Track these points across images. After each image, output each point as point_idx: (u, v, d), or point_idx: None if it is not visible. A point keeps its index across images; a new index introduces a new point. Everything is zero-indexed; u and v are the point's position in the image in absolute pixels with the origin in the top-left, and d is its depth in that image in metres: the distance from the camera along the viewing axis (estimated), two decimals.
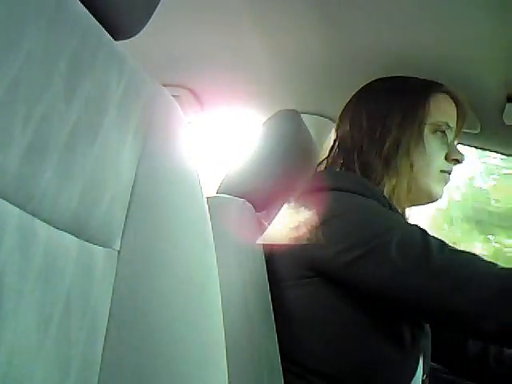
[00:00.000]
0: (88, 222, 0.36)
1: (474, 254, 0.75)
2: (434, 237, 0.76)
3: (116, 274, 0.37)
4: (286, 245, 0.84)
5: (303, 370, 0.80)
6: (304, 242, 0.80)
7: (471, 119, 1.08)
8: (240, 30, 0.97)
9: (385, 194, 0.86)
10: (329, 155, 0.97)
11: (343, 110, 0.97)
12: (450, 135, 0.93)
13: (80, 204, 0.35)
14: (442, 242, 0.75)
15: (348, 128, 0.94)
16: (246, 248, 0.84)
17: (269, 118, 1.04)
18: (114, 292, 0.37)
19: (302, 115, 1.04)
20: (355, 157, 0.90)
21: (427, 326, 0.88)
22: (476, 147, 1.18)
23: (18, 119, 0.30)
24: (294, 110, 1.03)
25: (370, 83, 0.96)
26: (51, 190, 0.32)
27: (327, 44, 0.98)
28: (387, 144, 0.89)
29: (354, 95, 0.97)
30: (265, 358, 0.77)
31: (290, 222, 0.86)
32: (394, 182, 0.88)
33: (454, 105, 0.95)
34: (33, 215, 0.31)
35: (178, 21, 0.95)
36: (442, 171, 0.91)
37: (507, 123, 1.03)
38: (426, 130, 0.90)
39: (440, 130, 0.91)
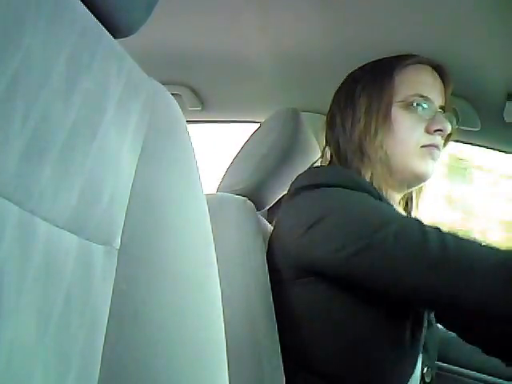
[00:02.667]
0: (87, 220, 0.35)
1: (474, 242, 0.72)
2: (431, 226, 0.73)
3: (116, 273, 0.37)
4: (282, 244, 0.84)
5: (304, 369, 0.80)
6: (298, 243, 0.79)
7: (471, 117, 1.07)
8: (240, 28, 0.97)
9: (375, 184, 0.85)
10: (321, 156, 0.99)
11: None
12: (429, 105, 0.88)
13: (79, 202, 0.34)
14: (440, 231, 0.72)
15: (328, 126, 0.94)
16: (246, 246, 0.84)
17: (269, 117, 1.05)
18: (113, 290, 0.37)
19: (302, 113, 1.04)
20: (335, 153, 0.90)
21: (431, 317, 0.87)
22: (476, 145, 1.18)
23: (16, 117, 0.30)
24: (293, 108, 1.04)
25: (346, 78, 0.95)
26: (50, 188, 0.32)
27: (328, 42, 0.98)
28: (357, 133, 0.87)
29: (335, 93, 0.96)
30: (266, 356, 0.77)
31: (283, 222, 0.86)
32: (369, 170, 0.86)
33: (429, 72, 0.90)
34: (32, 213, 0.31)
35: (177, 18, 0.95)
36: (423, 146, 0.87)
37: (507, 121, 1.03)
38: (397, 108, 0.87)
39: (414, 104, 0.87)
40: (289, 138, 0.98)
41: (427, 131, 0.87)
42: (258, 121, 1.13)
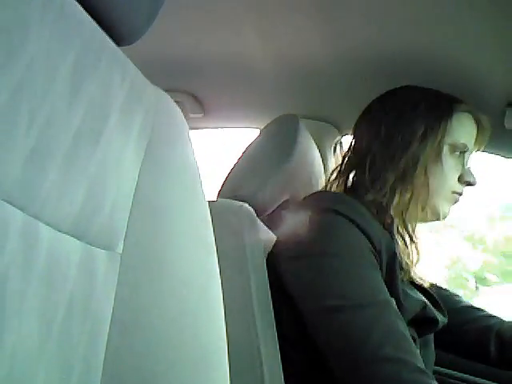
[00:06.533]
0: (90, 225, 0.36)
1: (407, 360, 0.71)
2: (386, 324, 0.73)
3: (118, 278, 0.38)
4: (275, 257, 0.85)
5: (304, 372, 0.80)
6: (285, 266, 0.82)
7: None
8: (242, 36, 0.98)
9: (392, 207, 0.85)
10: (341, 163, 0.96)
11: (362, 115, 0.95)
12: (469, 157, 0.91)
13: (83, 207, 0.35)
14: (390, 333, 0.72)
15: (364, 136, 0.92)
16: (247, 252, 0.84)
17: (269, 123, 1.05)
18: (116, 295, 0.37)
19: (303, 120, 1.04)
20: (367, 166, 0.88)
21: (428, 338, 0.88)
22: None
23: (21, 123, 0.30)
24: (293, 114, 1.04)
25: (393, 91, 0.93)
26: (54, 193, 0.32)
27: (329, 49, 0.98)
28: (405, 158, 0.86)
29: (375, 102, 0.94)
30: (266, 361, 0.77)
31: (282, 236, 0.86)
32: (407, 197, 0.86)
33: (475, 126, 0.92)
34: (36, 218, 0.31)
35: (179, 26, 0.95)
36: (453, 192, 0.90)
37: (508, 128, 1.04)
38: (445, 150, 0.88)
39: (458, 151, 0.89)
40: (289, 145, 0.98)
41: (459, 180, 0.90)
42: (258, 127, 1.14)
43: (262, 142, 1.03)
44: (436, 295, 0.94)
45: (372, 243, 0.78)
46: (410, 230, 0.88)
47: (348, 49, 0.97)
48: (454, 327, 0.96)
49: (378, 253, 0.79)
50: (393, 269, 0.80)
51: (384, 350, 0.70)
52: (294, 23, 0.92)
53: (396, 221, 0.86)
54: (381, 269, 0.79)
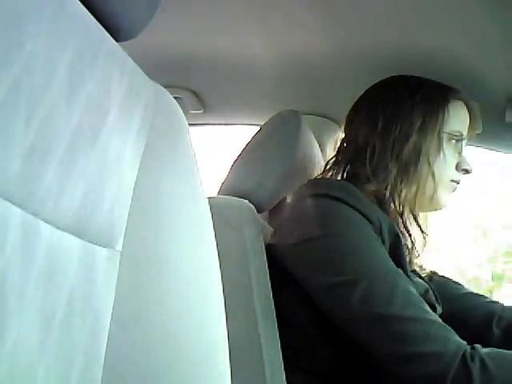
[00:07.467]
0: (90, 223, 0.36)
1: (433, 319, 0.73)
2: (404, 289, 0.74)
3: (118, 275, 0.37)
4: (275, 248, 0.85)
5: (304, 370, 0.80)
6: (288, 252, 0.82)
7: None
8: (242, 31, 0.98)
9: (401, 200, 0.85)
10: (337, 154, 0.95)
11: (355, 106, 0.94)
12: (462, 145, 0.92)
13: (82, 204, 0.35)
14: (410, 297, 0.74)
15: (361, 127, 0.91)
16: (247, 248, 0.85)
17: (269, 119, 1.05)
18: (116, 293, 0.37)
19: (303, 116, 1.04)
20: (367, 157, 0.87)
21: None
22: (478, 146, 1.18)
23: (19, 120, 0.30)
24: (294, 110, 1.04)
25: (387, 80, 0.93)
26: (53, 190, 0.32)
27: (329, 45, 0.98)
28: (406, 148, 0.86)
29: (370, 91, 0.94)
30: (267, 358, 0.77)
31: (283, 225, 0.86)
32: (414, 189, 0.86)
33: (467, 114, 0.93)
34: (35, 216, 0.31)
35: (178, 22, 0.95)
36: (452, 180, 0.91)
37: (508, 121, 1.04)
38: (444, 138, 0.89)
39: (454, 139, 0.90)
40: (290, 141, 0.98)
41: (457, 168, 0.91)
42: (259, 123, 1.14)
43: (262, 138, 1.03)
44: (437, 283, 0.95)
45: (370, 222, 0.79)
46: (419, 221, 0.89)
47: (349, 45, 0.97)
48: (457, 314, 0.97)
49: (378, 231, 0.80)
50: (398, 249, 0.82)
51: (408, 311, 0.72)
52: (294, 19, 0.92)
53: (405, 213, 0.87)
54: (384, 246, 0.80)
